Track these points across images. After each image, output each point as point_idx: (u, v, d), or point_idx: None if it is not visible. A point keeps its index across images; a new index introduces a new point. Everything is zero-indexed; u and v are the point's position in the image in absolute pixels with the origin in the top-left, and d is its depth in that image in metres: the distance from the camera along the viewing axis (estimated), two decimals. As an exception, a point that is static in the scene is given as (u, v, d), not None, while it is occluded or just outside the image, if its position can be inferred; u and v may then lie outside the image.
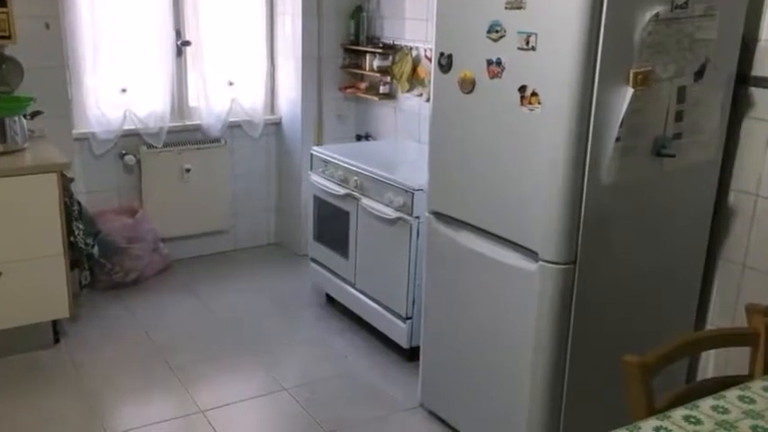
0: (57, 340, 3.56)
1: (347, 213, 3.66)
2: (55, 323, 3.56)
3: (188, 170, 4.51)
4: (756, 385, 1.73)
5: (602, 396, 2.49)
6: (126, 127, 4.30)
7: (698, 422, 1.57)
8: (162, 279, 4.37)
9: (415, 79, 4.11)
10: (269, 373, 3.37)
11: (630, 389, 1.71)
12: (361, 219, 3.57)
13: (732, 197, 2.67)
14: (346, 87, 4.62)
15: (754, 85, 2.55)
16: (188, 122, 4.55)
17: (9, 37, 3.48)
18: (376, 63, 4.29)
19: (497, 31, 2.40)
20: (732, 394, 1.69)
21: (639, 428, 1.54)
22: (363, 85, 4.52)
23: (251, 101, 4.69)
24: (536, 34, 2.27)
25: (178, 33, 4.40)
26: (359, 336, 3.74)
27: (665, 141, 2.36)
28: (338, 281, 3.83)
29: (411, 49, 4.11)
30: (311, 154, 3.96)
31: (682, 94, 2.36)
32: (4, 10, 3.44)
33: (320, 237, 3.99)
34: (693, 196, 2.60)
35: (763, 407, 1.63)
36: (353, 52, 4.56)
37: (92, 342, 3.60)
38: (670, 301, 2.67)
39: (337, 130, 4.73)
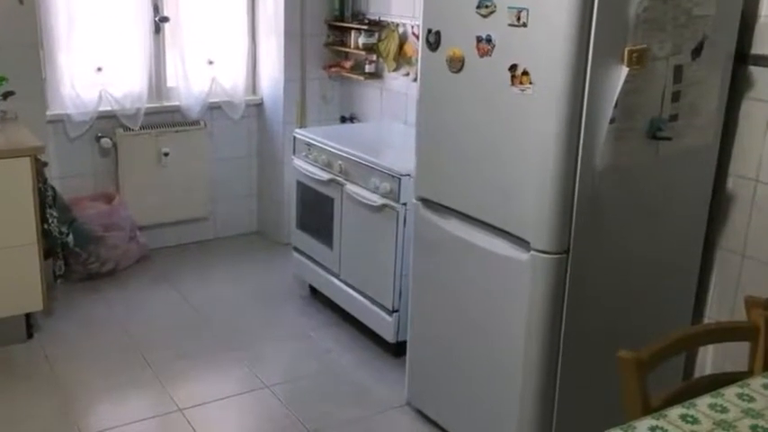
0: (30, 335, 3.52)
1: (331, 200, 3.62)
2: (28, 317, 3.52)
3: (166, 154, 4.46)
4: (756, 382, 1.72)
5: (596, 393, 2.47)
6: (102, 108, 4.25)
7: (695, 421, 1.56)
8: (139, 269, 4.34)
9: (401, 57, 4.06)
10: (250, 370, 3.34)
11: (625, 386, 1.70)
12: (346, 206, 3.53)
13: (731, 183, 2.64)
14: (330, 66, 4.56)
15: (754, 64, 2.51)
16: (166, 103, 4.50)
17: (-23, 14, 3.42)
18: (361, 40, 4.24)
19: (487, 7, 2.36)
20: (730, 392, 1.67)
21: (634, 428, 1.52)
22: (348, 64, 4.46)
23: (231, 81, 4.64)
24: (527, 10, 2.23)
25: (156, 9, 4.33)
26: (343, 330, 3.71)
27: (661, 123, 2.32)
28: (322, 271, 3.80)
29: (398, 25, 4.06)
30: (294, 137, 3.91)
31: (678, 73, 2.32)
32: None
33: (303, 225, 3.95)
34: (690, 182, 2.57)
35: (762, 405, 1.62)
36: (338, 29, 4.50)
37: (66, 336, 3.56)
38: (666, 294, 2.65)
39: (321, 111, 4.68)
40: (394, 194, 3.20)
